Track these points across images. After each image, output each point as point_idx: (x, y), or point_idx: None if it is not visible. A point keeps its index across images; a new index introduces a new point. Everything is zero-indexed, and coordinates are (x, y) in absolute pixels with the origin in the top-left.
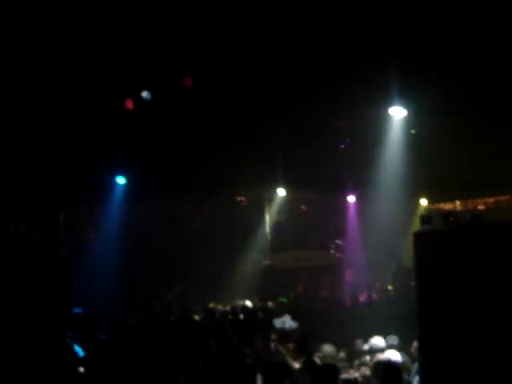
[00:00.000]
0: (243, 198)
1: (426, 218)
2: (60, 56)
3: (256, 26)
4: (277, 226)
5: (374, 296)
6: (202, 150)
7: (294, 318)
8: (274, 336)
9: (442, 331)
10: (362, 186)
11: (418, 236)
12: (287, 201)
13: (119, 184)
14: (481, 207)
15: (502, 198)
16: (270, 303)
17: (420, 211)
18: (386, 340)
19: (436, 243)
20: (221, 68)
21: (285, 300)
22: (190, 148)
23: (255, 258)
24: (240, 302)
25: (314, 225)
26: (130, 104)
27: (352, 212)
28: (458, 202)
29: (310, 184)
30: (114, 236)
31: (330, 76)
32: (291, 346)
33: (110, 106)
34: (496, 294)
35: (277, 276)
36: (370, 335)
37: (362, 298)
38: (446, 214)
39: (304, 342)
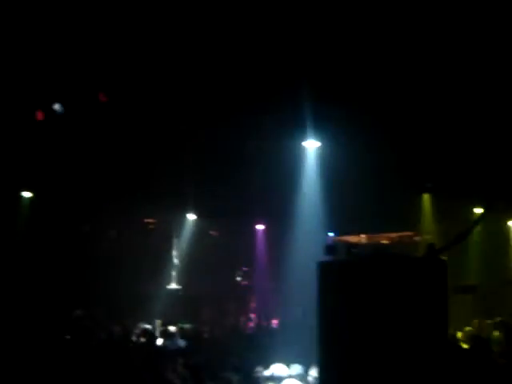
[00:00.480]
0: (151, 221)
1: (330, 248)
2: None
3: (168, 57)
4: (184, 251)
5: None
6: (110, 168)
7: (196, 344)
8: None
9: (339, 358)
10: (273, 216)
11: (321, 266)
12: (196, 226)
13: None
14: (385, 241)
15: (405, 233)
16: (171, 328)
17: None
18: (289, 368)
19: (338, 273)
20: (136, 86)
21: (186, 325)
22: (99, 165)
23: (161, 281)
24: (142, 326)
25: (222, 251)
26: (40, 116)
27: (260, 240)
28: (363, 236)
29: (220, 211)
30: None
31: (243, 107)
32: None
33: (20, 117)
34: (394, 323)
35: (182, 301)
36: (273, 362)
37: (267, 323)
38: (349, 245)
39: (198, 371)
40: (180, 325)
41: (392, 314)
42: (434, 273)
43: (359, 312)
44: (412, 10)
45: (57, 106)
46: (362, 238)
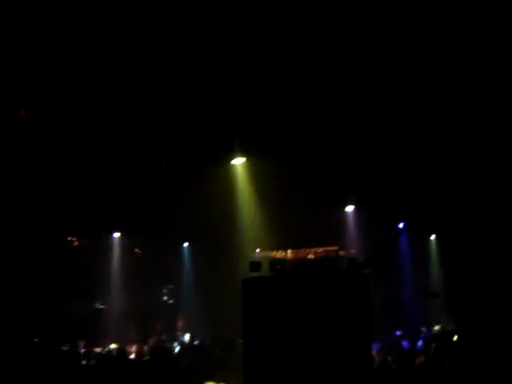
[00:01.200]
0: (75, 239)
1: (255, 265)
2: None
3: None
4: (109, 270)
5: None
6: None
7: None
8: None
9: (264, 374)
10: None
11: (245, 282)
12: (121, 244)
13: None
14: (311, 256)
15: (330, 248)
16: (97, 349)
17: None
18: None
19: (263, 289)
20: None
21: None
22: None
23: (85, 301)
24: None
25: (147, 269)
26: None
27: (186, 258)
28: (289, 251)
29: (146, 230)
30: None
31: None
32: None
33: None
34: (318, 337)
35: (108, 321)
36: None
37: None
38: (274, 262)
39: None
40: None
41: (315, 328)
42: (356, 287)
43: (284, 326)
44: None
45: None
46: (288, 252)
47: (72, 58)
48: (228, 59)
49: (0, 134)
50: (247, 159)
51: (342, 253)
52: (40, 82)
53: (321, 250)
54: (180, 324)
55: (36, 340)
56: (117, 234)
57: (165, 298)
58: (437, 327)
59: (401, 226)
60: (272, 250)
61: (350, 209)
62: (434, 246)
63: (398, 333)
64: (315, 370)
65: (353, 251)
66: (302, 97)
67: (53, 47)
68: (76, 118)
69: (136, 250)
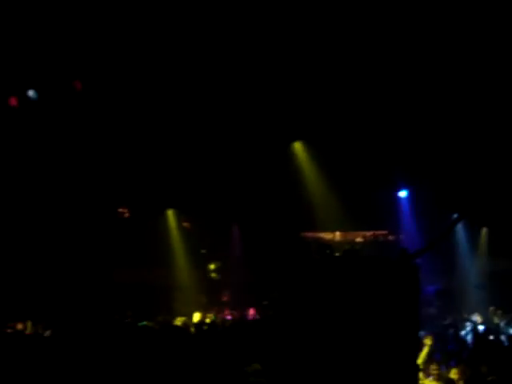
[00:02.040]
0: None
1: (305, 250)
2: None
3: None
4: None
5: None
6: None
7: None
8: None
9: (308, 357)
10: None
11: (294, 265)
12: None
13: None
14: (359, 240)
15: (379, 232)
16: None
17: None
18: None
19: (311, 273)
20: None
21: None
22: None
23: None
24: None
25: (195, 244)
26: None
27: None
28: (337, 233)
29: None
30: None
31: None
32: None
33: None
34: (365, 325)
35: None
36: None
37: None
38: (322, 246)
39: None
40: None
41: (362, 315)
42: (406, 277)
43: (331, 312)
44: None
45: (31, 93)
46: (337, 235)
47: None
48: None
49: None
50: (304, 143)
51: (391, 237)
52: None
53: (370, 233)
54: (225, 299)
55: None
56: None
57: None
58: (479, 318)
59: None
60: (320, 231)
61: (402, 194)
62: (484, 237)
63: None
64: (357, 359)
65: (401, 236)
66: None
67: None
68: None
69: (185, 224)
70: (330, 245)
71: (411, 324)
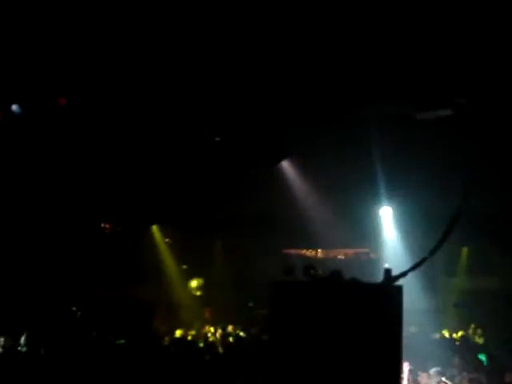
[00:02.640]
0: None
1: (288, 269)
2: None
3: None
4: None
5: None
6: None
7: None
8: None
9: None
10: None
11: (276, 285)
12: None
13: None
14: (340, 257)
15: (361, 250)
16: None
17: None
18: None
19: (295, 293)
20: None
21: None
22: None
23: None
24: None
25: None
26: None
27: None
28: (319, 250)
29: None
30: None
31: None
32: None
33: None
34: (346, 346)
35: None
36: None
37: None
38: (308, 267)
39: None
40: None
41: (344, 337)
42: (390, 299)
43: (312, 333)
44: None
45: (15, 107)
46: (319, 252)
47: None
48: None
49: (41, 121)
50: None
51: (372, 255)
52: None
53: (351, 251)
54: (207, 315)
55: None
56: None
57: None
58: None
59: None
60: (303, 248)
61: (385, 211)
62: (465, 256)
63: None
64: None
65: (383, 255)
66: None
67: None
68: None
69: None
70: (313, 266)
71: (394, 346)
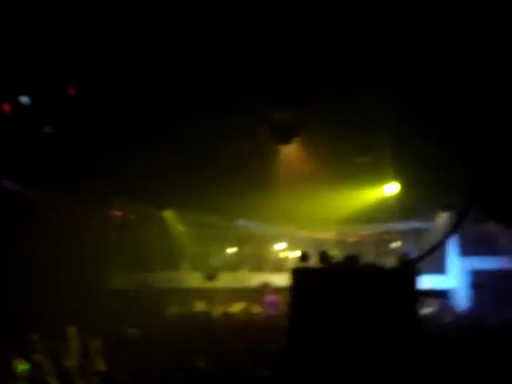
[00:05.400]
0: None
1: (304, 256)
2: None
3: None
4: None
5: None
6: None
7: None
8: None
9: (309, 360)
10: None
11: (296, 271)
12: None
13: None
14: (352, 239)
15: (373, 231)
16: None
17: None
18: None
19: (313, 279)
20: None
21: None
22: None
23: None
24: None
25: None
26: (6, 107)
27: None
28: (332, 232)
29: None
30: None
31: None
32: None
33: None
34: (362, 329)
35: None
36: None
37: None
38: (324, 253)
39: None
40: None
41: (361, 319)
42: (405, 282)
43: (331, 316)
44: None
45: (24, 99)
46: (331, 233)
47: None
48: None
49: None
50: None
51: (385, 236)
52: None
53: (364, 232)
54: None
55: None
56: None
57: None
58: None
59: None
60: (315, 229)
61: (391, 189)
62: None
63: None
64: (363, 360)
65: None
66: None
67: None
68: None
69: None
70: (327, 252)
71: (412, 324)
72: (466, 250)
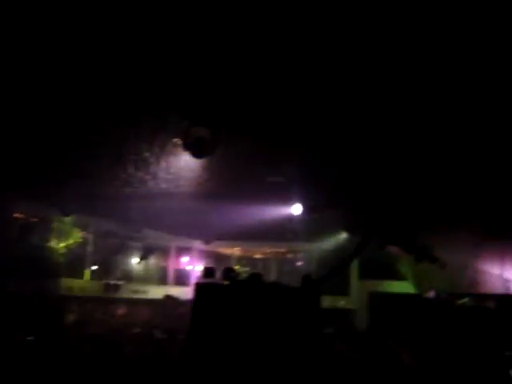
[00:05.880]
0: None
1: (209, 271)
2: None
3: None
4: None
5: None
6: None
7: None
8: None
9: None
10: None
11: (198, 286)
12: None
13: None
14: (258, 256)
15: (278, 250)
16: None
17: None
18: None
19: (215, 295)
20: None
21: None
22: None
23: None
24: None
25: None
26: None
27: None
28: (236, 248)
29: None
30: None
31: None
32: None
33: None
34: (262, 348)
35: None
36: None
37: None
38: (227, 269)
39: None
40: None
41: (262, 338)
42: (308, 302)
43: (230, 334)
44: None
45: None
46: (236, 250)
47: None
48: None
49: None
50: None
51: (289, 255)
52: None
53: (268, 250)
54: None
55: None
56: None
57: None
58: None
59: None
60: (221, 244)
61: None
62: None
63: None
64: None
65: (299, 255)
66: None
67: None
68: None
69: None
70: (233, 269)
71: (314, 343)
72: (366, 274)
